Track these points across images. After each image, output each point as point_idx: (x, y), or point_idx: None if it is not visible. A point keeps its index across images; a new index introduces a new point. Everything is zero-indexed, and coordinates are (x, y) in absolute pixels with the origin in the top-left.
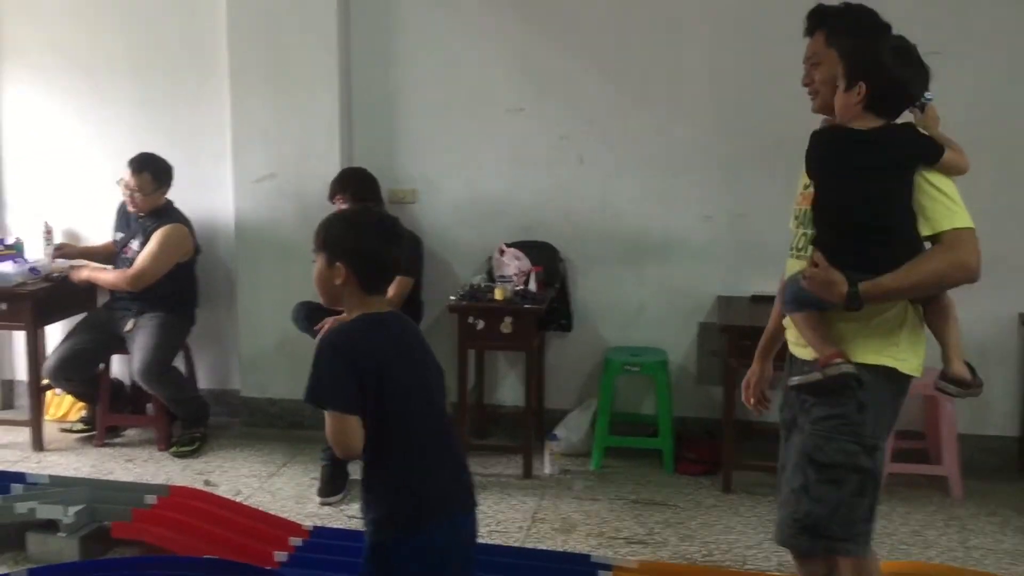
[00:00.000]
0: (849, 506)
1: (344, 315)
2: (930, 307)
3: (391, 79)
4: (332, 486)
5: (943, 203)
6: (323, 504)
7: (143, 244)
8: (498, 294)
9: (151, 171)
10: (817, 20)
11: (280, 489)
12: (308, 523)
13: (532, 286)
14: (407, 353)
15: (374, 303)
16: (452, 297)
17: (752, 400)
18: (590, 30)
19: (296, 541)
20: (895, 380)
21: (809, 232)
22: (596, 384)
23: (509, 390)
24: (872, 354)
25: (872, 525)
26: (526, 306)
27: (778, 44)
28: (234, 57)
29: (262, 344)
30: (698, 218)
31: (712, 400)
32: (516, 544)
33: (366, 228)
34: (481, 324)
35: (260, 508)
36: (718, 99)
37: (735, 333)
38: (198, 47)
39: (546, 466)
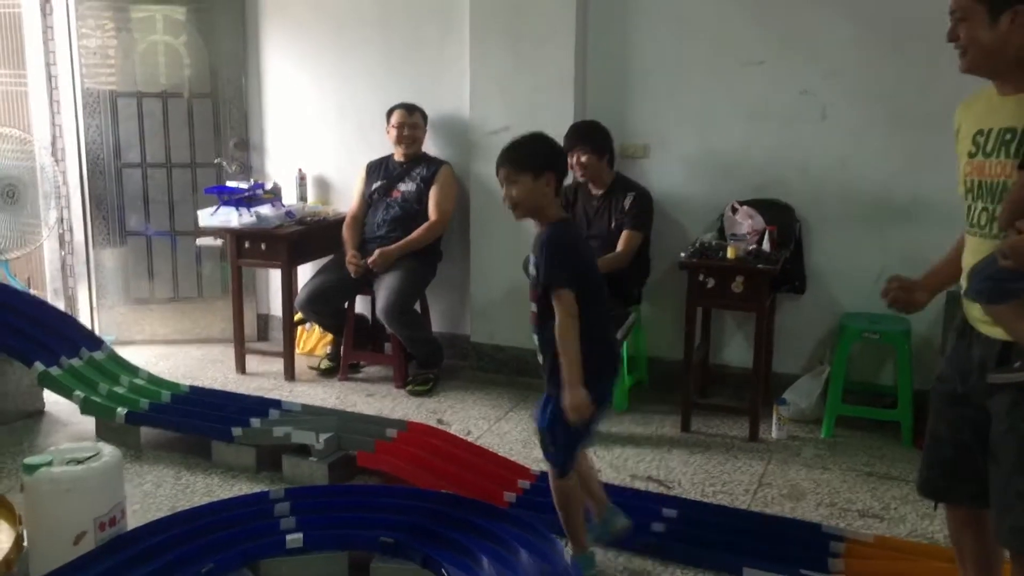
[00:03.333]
0: None
1: None
2: None
3: (626, 32)
4: None
5: None
6: None
7: (419, 187)
8: (730, 252)
9: (420, 112)
10: None
11: (507, 433)
12: (535, 468)
13: (765, 246)
14: (589, 250)
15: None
16: (683, 254)
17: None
18: None
19: (524, 484)
20: None
21: (991, 207)
22: (828, 350)
23: (736, 350)
24: None
25: None
26: (759, 266)
27: None
28: (474, 8)
29: (492, 293)
30: (951, 181)
31: None
32: (743, 507)
33: (554, 141)
34: (712, 282)
35: (490, 449)
36: None
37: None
38: (440, 1)
39: (773, 430)
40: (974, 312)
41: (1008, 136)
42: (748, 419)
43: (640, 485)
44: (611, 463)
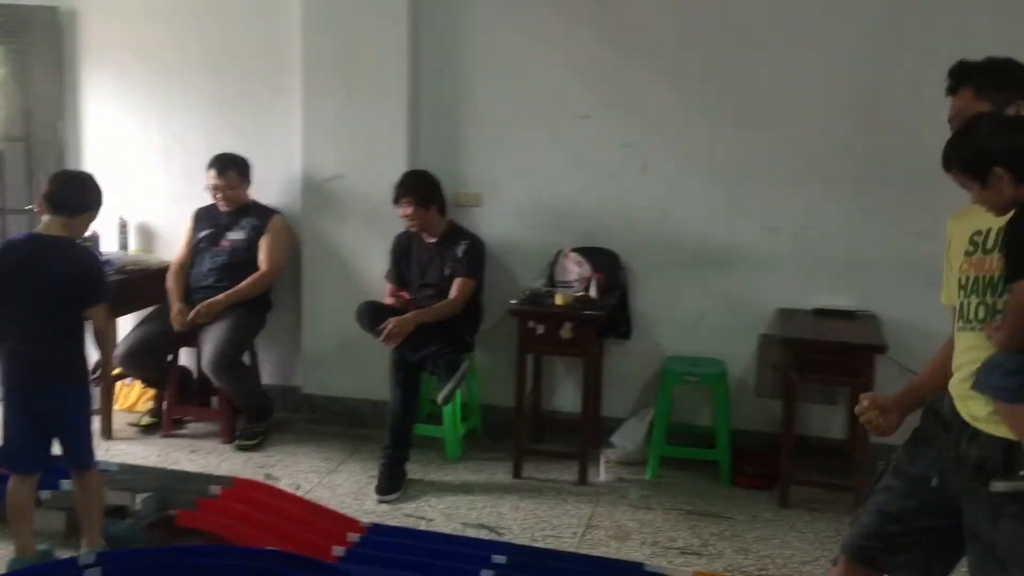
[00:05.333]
0: None
1: (408, 315)
2: None
3: (459, 83)
4: (390, 484)
5: None
6: (381, 501)
7: (249, 235)
8: (559, 299)
9: (236, 168)
10: (962, 76)
11: (339, 485)
12: (366, 519)
13: (593, 292)
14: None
15: None
16: (513, 301)
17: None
18: (657, 38)
19: (354, 537)
20: None
21: (991, 300)
22: (654, 393)
23: (566, 396)
24: None
25: None
26: (586, 312)
27: (847, 57)
28: (307, 58)
29: (325, 342)
30: (763, 229)
31: (771, 413)
32: (571, 549)
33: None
34: (541, 329)
35: (320, 503)
36: (785, 110)
37: (797, 346)
38: (272, 48)
39: (601, 473)
40: (975, 410)
41: None
42: (578, 463)
43: (472, 532)
44: (443, 512)
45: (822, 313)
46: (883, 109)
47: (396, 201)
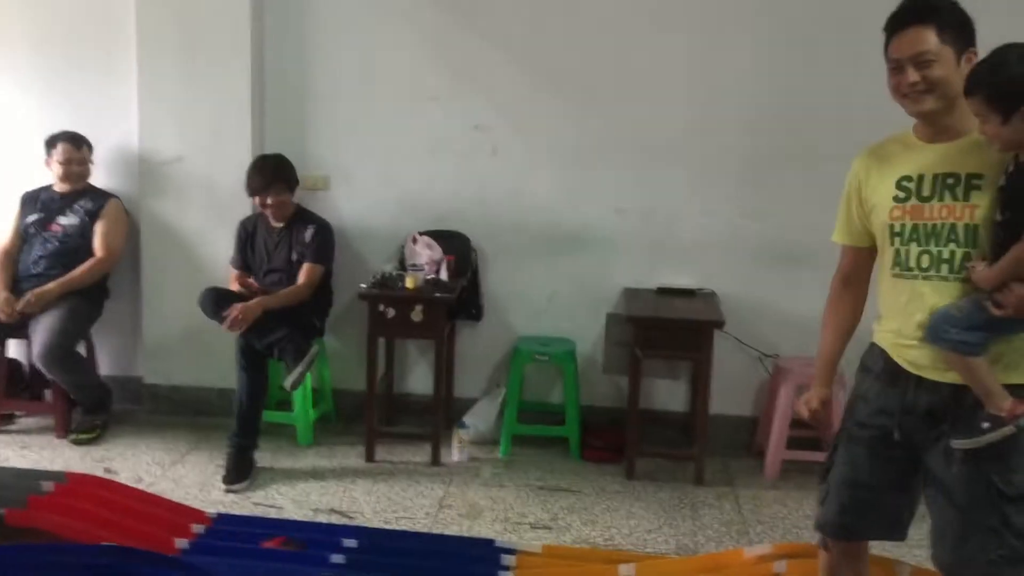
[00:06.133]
0: None
1: (253, 302)
2: None
3: (304, 63)
4: (237, 473)
5: None
6: (228, 491)
7: (83, 220)
8: (409, 282)
9: (88, 144)
10: (926, 13)
11: (184, 476)
12: (213, 510)
13: (443, 275)
14: None
15: None
16: (363, 285)
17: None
18: (505, 20)
19: (198, 528)
20: None
21: (935, 250)
22: (505, 373)
23: (419, 379)
24: None
25: None
26: (437, 295)
27: (688, 42)
28: (141, 26)
29: (167, 331)
30: (610, 211)
31: (618, 389)
32: (424, 530)
33: None
34: (392, 312)
35: (163, 495)
36: (632, 94)
37: (641, 324)
38: (103, 18)
39: (454, 454)
40: (916, 358)
41: (951, 181)
42: (430, 445)
43: (323, 518)
44: (293, 499)
45: (665, 292)
46: (722, 95)
47: (264, 190)
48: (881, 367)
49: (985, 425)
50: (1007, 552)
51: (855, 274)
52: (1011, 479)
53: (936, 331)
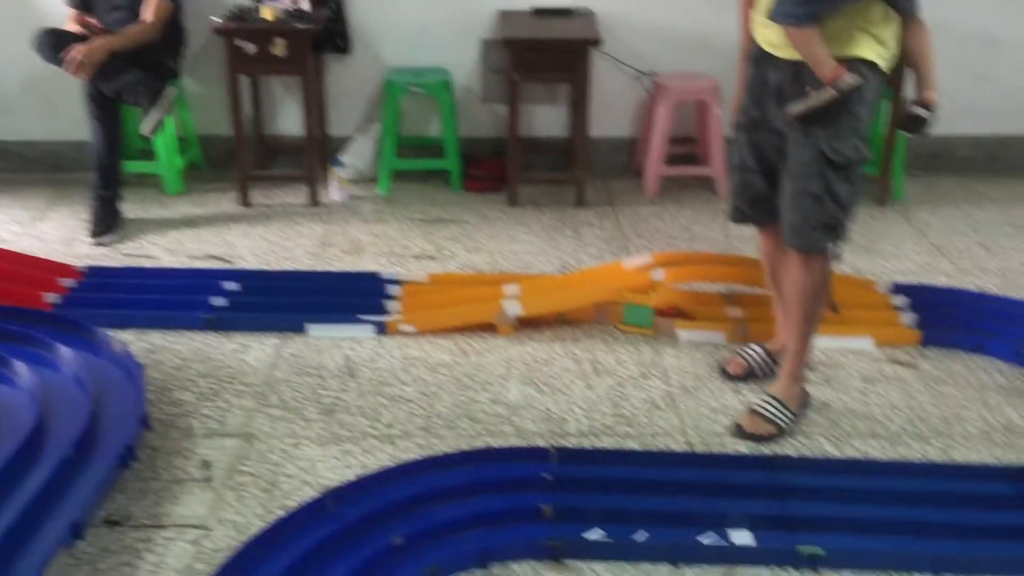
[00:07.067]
0: (857, 201)
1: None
2: (910, 27)
3: None
4: (104, 225)
5: None
6: (96, 244)
7: None
8: (267, 13)
9: None
10: None
11: (47, 233)
12: (79, 264)
13: (305, 5)
14: None
15: None
16: (216, 19)
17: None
18: None
19: (69, 282)
20: (878, 76)
21: None
22: (379, 108)
23: (289, 119)
24: (865, 49)
25: None
26: (298, 26)
27: None
28: None
29: (6, 82)
30: None
31: (497, 118)
32: (306, 269)
33: None
34: (251, 48)
35: (25, 253)
36: None
37: (518, 47)
38: None
39: (333, 193)
40: (770, 37)
41: None
42: (307, 186)
43: (200, 264)
44: (167, 248)
45: (542, 13)
46: None
47: None
48: (755, 52)
49: (810, 90)
50: (826, 219)
51: None
52: (837, 147)
53: (774, 8)
